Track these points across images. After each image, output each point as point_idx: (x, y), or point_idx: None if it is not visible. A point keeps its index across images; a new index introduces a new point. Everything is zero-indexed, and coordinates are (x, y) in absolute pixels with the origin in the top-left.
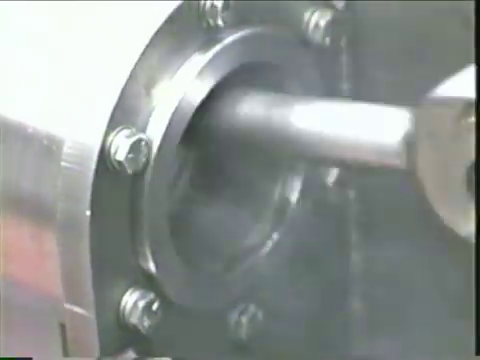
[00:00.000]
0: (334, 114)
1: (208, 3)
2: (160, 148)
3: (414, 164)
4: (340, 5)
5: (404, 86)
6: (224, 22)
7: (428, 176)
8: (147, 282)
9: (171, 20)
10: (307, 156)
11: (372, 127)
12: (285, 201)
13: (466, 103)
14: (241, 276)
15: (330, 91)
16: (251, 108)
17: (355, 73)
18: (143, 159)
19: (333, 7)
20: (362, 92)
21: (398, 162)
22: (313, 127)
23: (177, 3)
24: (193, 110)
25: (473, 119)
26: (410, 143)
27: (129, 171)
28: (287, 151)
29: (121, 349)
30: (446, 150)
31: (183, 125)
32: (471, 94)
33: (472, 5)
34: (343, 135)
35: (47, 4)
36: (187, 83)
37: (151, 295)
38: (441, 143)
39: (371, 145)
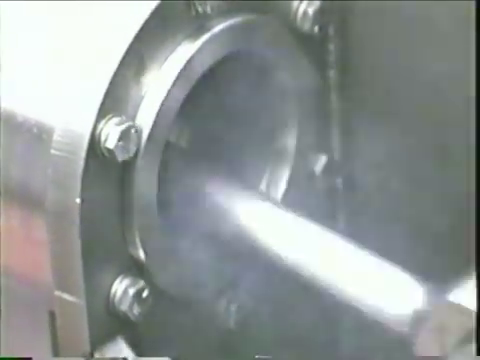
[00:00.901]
0: (358, 270)
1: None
2: (150, 136)
3: (416, 337)
4: None
5: (391, 72)
6: (213, 10)
7: (424, 351)
8: (137, 270)
9: (160, 8)
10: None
11: (387, 292)
12: (273, 189)
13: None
14: (231, 264)
15: (315, 80)
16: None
17: (342, 60)
18: (133, 147)
19: None
20: (350, 85)
21: (402, 329)
22: (335, 284)
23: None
24: (183, 98)
25: None
26: (418, 321)
27: (119, 159)
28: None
29: (110, 336)
30: (449, 344)
31: (173, 113)
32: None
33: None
34: (358, 293)
35: None
36: (176, 71)
37: (141, 282)
38: (446, 338)
39: (382, 310)
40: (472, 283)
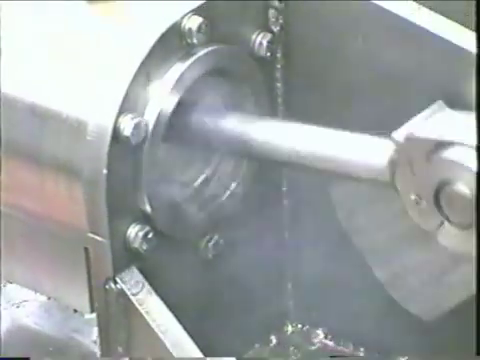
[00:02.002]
0: (335, 140)
1: (187, 27)
2: (154, 127)
3: (395, 181)
4: (276, 29)
5: (326, 80)
6: (198, 41)
7: (405, 190)
8: (145, 219)
9: (162, 38)
10: (312, 171)
11: (365, 151)
12: (238, 164)
13: (437, 143)
14: (209, 214)
15: (268, 89)
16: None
17: (287, 77)
18: (143, 135)
19: (272, 31)
20: (293, 91)
21: (383, 178)
22: (318, 150)
23: (166, 26)
24: (176, 102)
25: (444, 155)
26: (393, 166)
27: (133, 143)
28: (296, 169)
29: (127, 266)
30: (419, 173)
31: (169, 112)
32: (441, 137)
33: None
34: (342, 157)
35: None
36: (172, 83)
37: (147, 227)
38: (416, 168)
39: (363, 165)
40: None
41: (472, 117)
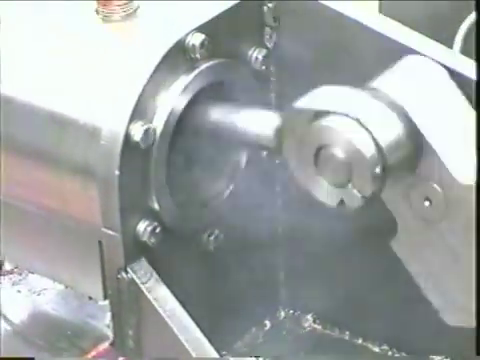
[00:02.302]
0: (238, 114)
1: (190, 44)
2: (161, 134)
3: (281, 147)
4: (270, 45)
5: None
6: (201, 56)
7: (290, 155)
8: (153, 215)
9: (168, 53)
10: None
11: (256, 123)
12: (236, 166)
13: (315, 112)
14: (210, 211)
15: (262, 99)
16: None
17: (279, 88)
18: (151, 140)
19: (266, 47)
20: (285, 101)
21: (272, 145)
22: (227, 125)
23: (172, 42)
24: (180, 111)
25: (321, 123)
26: (280, 135)
27: (143, 147)
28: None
29: (136, 257)
30: (301, 139)
31: (175, 120)
32: (319, 106)
33: None
34: (239, 127)
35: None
36: (177, 94)
37: (155, 223)
38: (298, 135)
39: (255, 134)
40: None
41: (352, 90)
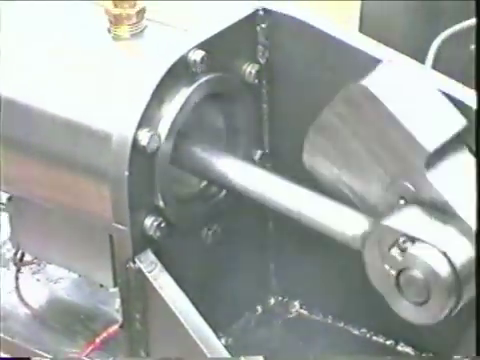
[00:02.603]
0: (318, 204)
1: (192, 59)
2: (165, 139)
3: (364, 250)
4: (263, 61)
5: (299, 106)
6: (201, 70)
7: (371, 262)
8: (158, 212)
9: (171, 68)
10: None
11: (343, 222)
12: None
13: (404, 235)
14: (209, 208)
15: (256, 109)
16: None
17: (270, 99)
18: (156, 145)
19: (259, 62)
20: (275, 110)
21: (355, 246)
22: (303, 210)
23: (176, 58)
24: (183, 120)
25: (409, 250)
26: (364, 240)
27: (149, 151)
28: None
29: (143, 249)
30: (384, 255)
31: (178, 126)
32: (409, 232)
33: None
34: (323, 221)
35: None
36: (180, 104)
37: (160, 219)
38: (383, 249)
39: (340, 232)
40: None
41: (437, 215)
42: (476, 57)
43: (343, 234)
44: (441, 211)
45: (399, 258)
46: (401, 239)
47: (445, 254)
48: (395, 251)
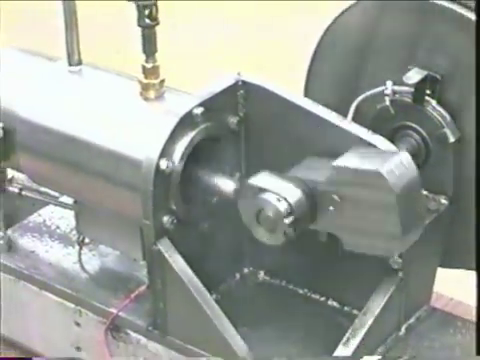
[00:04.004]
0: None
1: (195, 112)
2: (178, 165)
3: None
4: (242, 114)
5: (266, 145)
6: (200, 120)
7: (242, 209)
8: (172, 212)
9: (181, 119)
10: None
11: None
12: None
13: (258, 188)
14: (205, 210)
15: (236, 146)
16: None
17: (246, 140)
18: (171, 169)
19: (239, 115)
20: (250, 148)
21: (232, 198)
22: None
23: (184, 112)
24: (188, 153)
25: (261, 196)
26: (236, 195)
27: (166, 173)
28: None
29: (162, 236)
30: (246, 202)
31: (185, 158)
32: (260, 185)
33: None
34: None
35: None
36: (186, 142)
37: (173, 217)
38: (247, 198)
39: (219, 189)
40: None
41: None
42: (476, 57)
43: (225, 190)
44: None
45: (256, 202)
46: (257, 190)
47: (285, 199)
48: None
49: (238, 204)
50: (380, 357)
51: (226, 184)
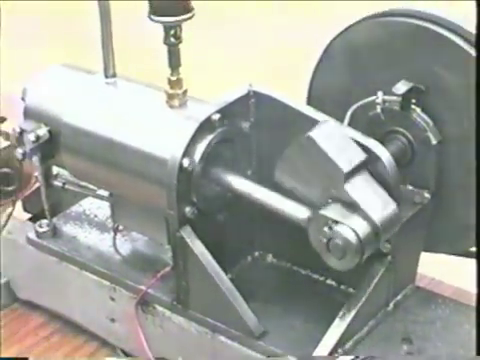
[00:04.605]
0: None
1: (213, 118)
2: (198, 163)
3: (309, 228)
4: (253, 120)
5: (273, 146)
6: (217, 125)
7: (313, 237)
8: (193, 204)
9: (201, 124)
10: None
11: (293, 207)
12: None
13: (331, 219)
14: (221, 202)
15: (248, 147)
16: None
17: (257, 142)
18: (192, 167)
19: (250, 120)
20: (259, 147)
21: (304, 225)
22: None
23: (203, 117)
24: (208, 153)
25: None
26: (309, 222)
27: (189, 170)
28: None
29: (184, 224)
30: (318, 233)
31: (205, 157)
32: (333, 217)
33: None
34: (278, 205)
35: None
36: (205, 144)
37: (194, 208)
38: (320, 227)
39: (293, 215)
40: None
41: (349, 208)
42: (476, 57)
43: (297, 218)
44: (352, 207)
45: (328, 232)
46: (329, 221)
47: (353, 229)
48: (326, 228)
49: (309, 232)
50: (353, 357)
51: (299, 211)
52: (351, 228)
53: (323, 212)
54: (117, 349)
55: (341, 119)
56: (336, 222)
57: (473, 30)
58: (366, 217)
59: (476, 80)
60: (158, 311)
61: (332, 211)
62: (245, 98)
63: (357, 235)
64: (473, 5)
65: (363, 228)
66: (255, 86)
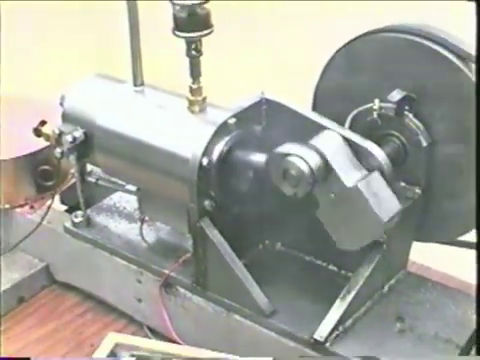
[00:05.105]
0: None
1: (229, 122)
2: (215, 162)
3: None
4: (264, 123)
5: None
6: (234, 127)
7: (274, 175)
8: (211, 198)
9: (219, 127)
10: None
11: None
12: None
13: (285, 154)
14: (237, 196)
15: (259, 146)
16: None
17: (267, 142)
18: (211, 165)
19: (262, 124)
20: (269, 146)
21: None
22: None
23: (221, 121)
24: (225, 153)
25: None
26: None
27: (207, 168)
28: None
29: (203, 216)
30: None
31: (222, 156)
32: (287, 151)
33: None
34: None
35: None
36: (222, 145)
37: (213, 202)
38: (277, 162)
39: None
40: None
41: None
42: (477, 57)
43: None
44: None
45: (284, 164)
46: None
47: (306, 161)
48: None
49: (269, 168)
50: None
51: (259, 157)
52: (304, 160)
53: (279, 149)
54: (143, 326)
55: (342, 122)
56: (289, 154)
57: (459, 44)
58: (317, 151)
59: (476, 81)
60: (180, 292)
61: (286, 147)
62: (258, 104)
63: (309, 166)
64: (473, 5)
65: (316, 161)
66: (267, 94)
